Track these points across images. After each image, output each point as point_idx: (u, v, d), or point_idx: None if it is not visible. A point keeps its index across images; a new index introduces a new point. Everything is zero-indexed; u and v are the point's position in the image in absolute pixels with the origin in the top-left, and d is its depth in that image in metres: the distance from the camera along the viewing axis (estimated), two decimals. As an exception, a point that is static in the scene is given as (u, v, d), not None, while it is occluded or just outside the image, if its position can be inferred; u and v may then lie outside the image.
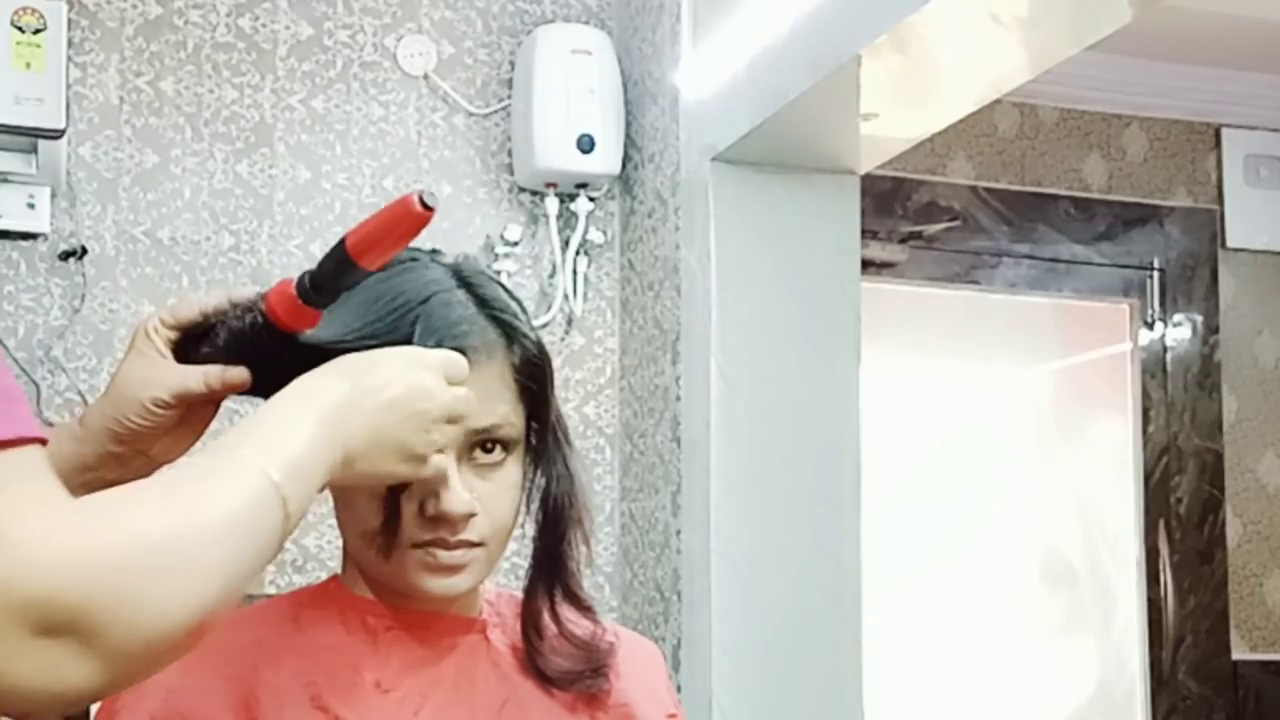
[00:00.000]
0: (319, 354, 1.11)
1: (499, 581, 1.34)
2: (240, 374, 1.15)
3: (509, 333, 1.21)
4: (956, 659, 3.46)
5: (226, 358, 1.15)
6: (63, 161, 2.50)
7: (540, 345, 1.24)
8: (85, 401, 2.51)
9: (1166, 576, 3.31)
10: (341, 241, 1.09)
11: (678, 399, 2.52)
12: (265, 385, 1.13)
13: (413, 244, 1.14)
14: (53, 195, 2.53)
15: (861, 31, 2.00)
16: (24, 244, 2.53)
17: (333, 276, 1.10)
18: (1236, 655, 3.33)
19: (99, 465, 1.17)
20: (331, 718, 1.18)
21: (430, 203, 1.05)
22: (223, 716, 1.16)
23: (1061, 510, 3.51)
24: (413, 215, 1.06)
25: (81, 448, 1.17)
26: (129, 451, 1.17)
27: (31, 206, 2.49)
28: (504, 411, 1.20)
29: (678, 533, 2.50)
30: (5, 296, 2.53)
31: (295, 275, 1.11)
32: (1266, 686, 3.34)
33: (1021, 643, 3.50)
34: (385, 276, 1.17)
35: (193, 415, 1.19)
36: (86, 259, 2.55)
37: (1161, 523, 3.32)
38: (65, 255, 2.54)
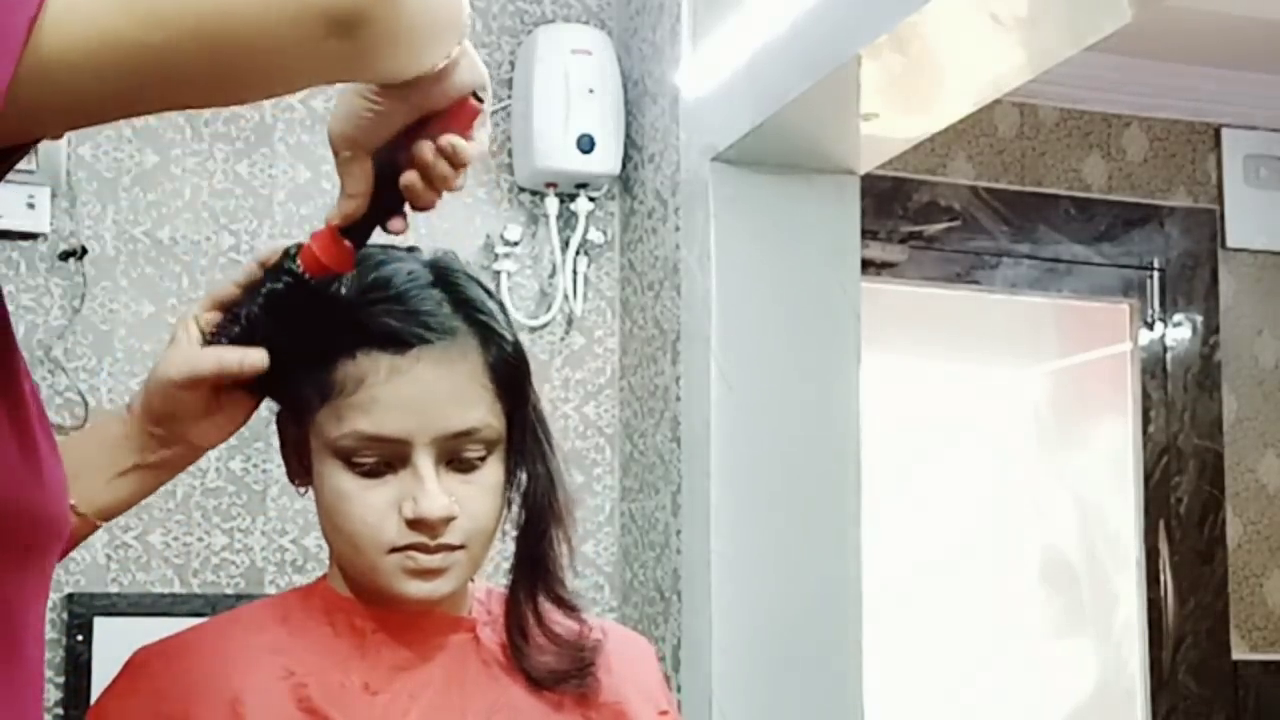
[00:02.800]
0: (336, 309, 1.14)
1: (495, 581, 1.34)
2: (256, 357, 1.16)
3: (484, 333, 1.20)
4: (957, 659, 3.46)
5: (251, 331, 1.16)
6: (63, 161, 2.50)
7: (517, 345, 1.23)
8: (85, 402, 2.51)
9: (1166, 576, 3.30)
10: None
11: (678, 399, 2.52)
12: (291, 354, 1.16)
13: (388, 242, 1.15)
14: (53, 195, 2.53)
15: (861, 31, 2.00)
16: (24, 244, 2.53)
17: (377, 203, 1.11)
18: (1236, 655, 3.33)
19: (142, 448, 1.20)
20: (319, 720, 1.18)
21: (482, 96, 1.06)
22: (210, 719, 1.16)
23: (1061, 510, 3.51)
24: (468, 109, 1.06)
25: (127, 429, 1.21)
26: (166, 434, 1.20)
27: (31, 206, 2.48)
28: (481, 413, 1.19)
29: (678, 533, 2.50)
30: (5, 296, 2.52)
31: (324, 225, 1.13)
32: (1266, 686, 3.34)
33: (1021, 643, 3.50)
34: (365, 270, 1.18)
35: (230, 402, 1.21)
36: (86, 259, 2.55)
37: (1161, 523, 3.32)
38: (65, 255, 2.54)
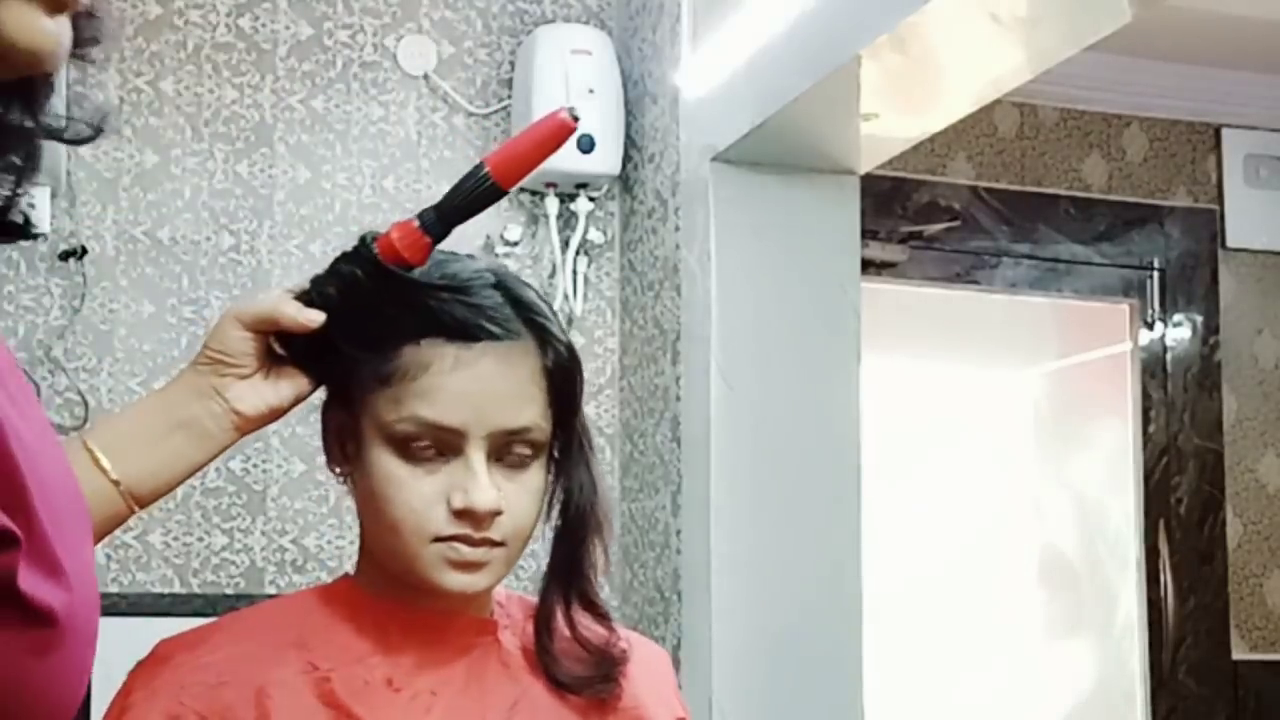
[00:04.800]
0: (406, 294, 1.18)
1: (523, 588, 1.34)
2: (313, 314, 1.20)
3: (543, 336, 1.22)
4: (957, 659, 3.46)
5: (322, 304, 1.21)
6: (63, 161, 2.50)
7: (572, 349, 1.24)
8: (85, 402, 2.51)
9: (1166, 576, 3.30)
10: (479, 166, 1.17)
11: (678, 399, 2.52)
12: (354, 335, 1.20)
13: (441, 245, 1.19)
14: (53, 195, 2.53)
15: (861, 31, 2.00)
16: (24, 244, 2.53)
17: (467, 199, 1.18)
18: (1236, 655, 3.33)
19: (178, 403, 1.22)
20: (343, 715, 1.18)
21: (578, 115, 1.11)
22: (234, 713, 1.17)
23: (1061, 510, 3.52)
24: (564, 128, 1.11)
25: (177, 382, 1.23)
26: (206, 385, 1.22)
27: (31, 206, 2.47)
28: (534, 414, 1.20)
29: (678, 533, 2.50)
30: (5, 296, 2.53)
31: (411, 218, 1.19)
32: (1266, 686, 3.34)
33: (1021, 643, 3.50)
34: (432, 264, 1.20)
35: (280, 376, 1.23)
36: (86, 259, 2.55)
37: (1161, 523, 3.32)
38: (65, 255, 2.54)
